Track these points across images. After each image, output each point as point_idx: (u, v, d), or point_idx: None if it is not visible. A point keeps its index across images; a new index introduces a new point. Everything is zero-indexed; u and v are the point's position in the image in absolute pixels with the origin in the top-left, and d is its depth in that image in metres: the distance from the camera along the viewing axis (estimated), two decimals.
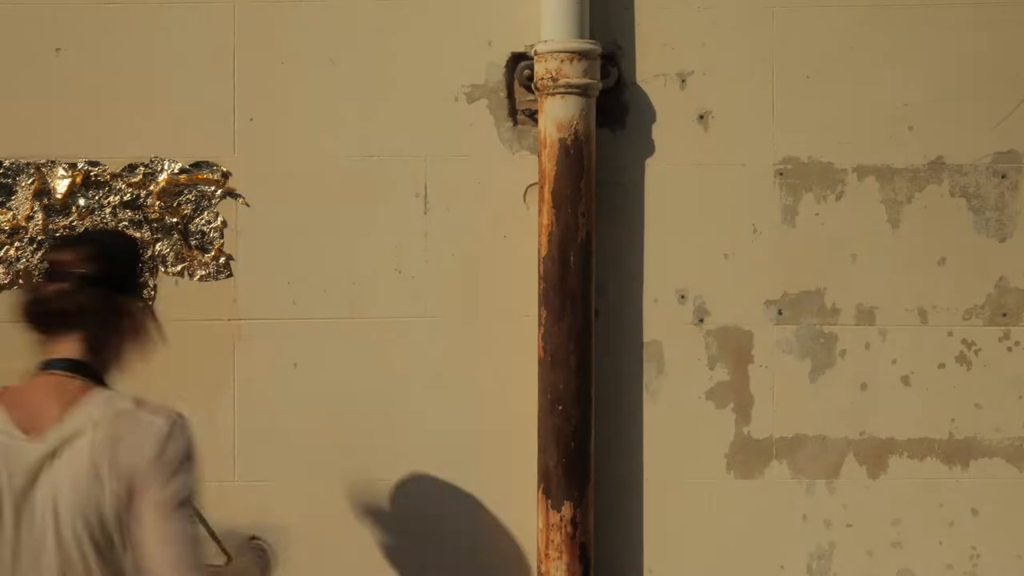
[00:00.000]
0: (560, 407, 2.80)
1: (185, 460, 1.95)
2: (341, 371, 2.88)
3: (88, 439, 1.92)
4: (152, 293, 2.85)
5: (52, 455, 1.92)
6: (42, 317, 1.99)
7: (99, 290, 1.99)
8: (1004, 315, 2.91)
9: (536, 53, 2.81)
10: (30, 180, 2.89)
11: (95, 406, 1.95)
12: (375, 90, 2.89)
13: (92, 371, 2.00)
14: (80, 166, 2.89)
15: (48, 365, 1.99)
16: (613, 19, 2.88)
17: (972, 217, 2.91)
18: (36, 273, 1.97)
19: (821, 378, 2.92)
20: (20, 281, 2.86)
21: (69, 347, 1.99)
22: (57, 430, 1.93)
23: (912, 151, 2.90)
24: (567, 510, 2.80)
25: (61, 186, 2.89)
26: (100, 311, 2.00)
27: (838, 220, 2.90)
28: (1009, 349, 2.91)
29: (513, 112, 2.90)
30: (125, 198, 2.89)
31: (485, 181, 2.89)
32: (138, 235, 2.89)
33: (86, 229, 2.17)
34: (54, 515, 1.90)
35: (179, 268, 2.90)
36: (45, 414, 1.95)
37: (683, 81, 2.90)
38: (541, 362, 2.82)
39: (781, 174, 2.90)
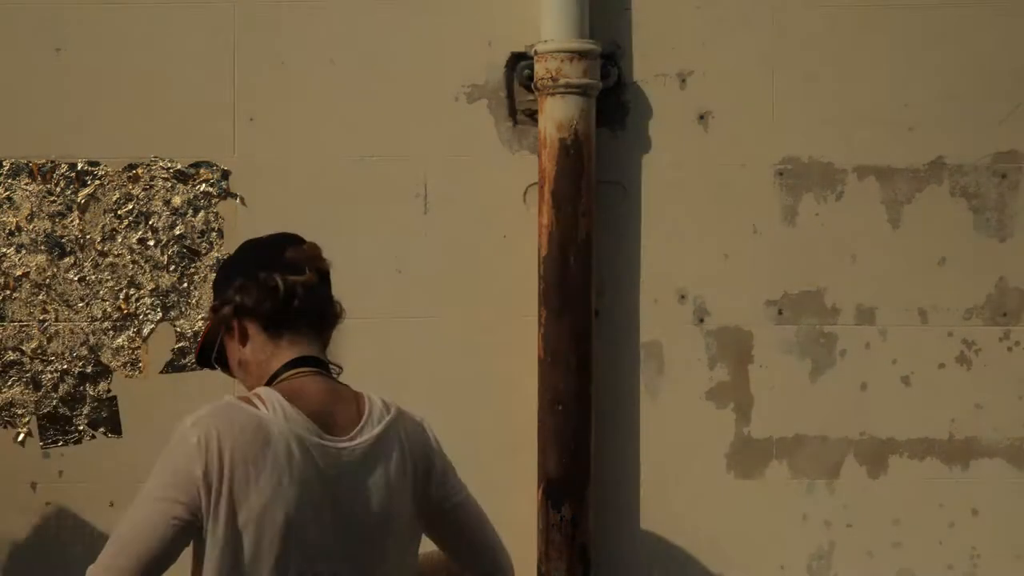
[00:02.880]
0: (560, 407, 2.80)
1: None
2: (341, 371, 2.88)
3: (395, 434, 1.93)
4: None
5: (367, 455, 1.89)
6: (290, 309, 1.92)
7: (329, 288, 1.99)
8: (1004, 315, 2.91)
9: (536, 53, 2.81)
10: (30, 180, 2.90)
11: (379, 405, 1.95)
12: (375, 90, 2.89)
13: (331, 371, 1.97)
14: (80, 166, 2.89)
15: (301, 362, 1.92)
16: (613, 19, 2.88)
17: (972, 217, 2.91)
18: (254, 270, 1.89)
19: (821, 378, 2.92)
20: (19, 280, 2.87)
21: (309, 343, 1.95)
22: (361, 431, 1.90)
23: (912, 151, 2.90)
24: (567, 510, 2.80)
25: (61, 186, 2.89)
26: (331, 309, 1.99)
27: (838, 220, 2.90)
28: (1009, 349, 2.91)
29: (513, 112, 2.90)
30: (125, 198, 2.90)
31: (485, 181, 2.89)
32: (136, 235, 2.89)
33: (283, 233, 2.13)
34: (369, 513, 1.87)
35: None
36: (339, 415, 1.90)
37: (683, 81, 2.90)
38: (541, 362, 2.82)
39: (781, 174, 2.90)
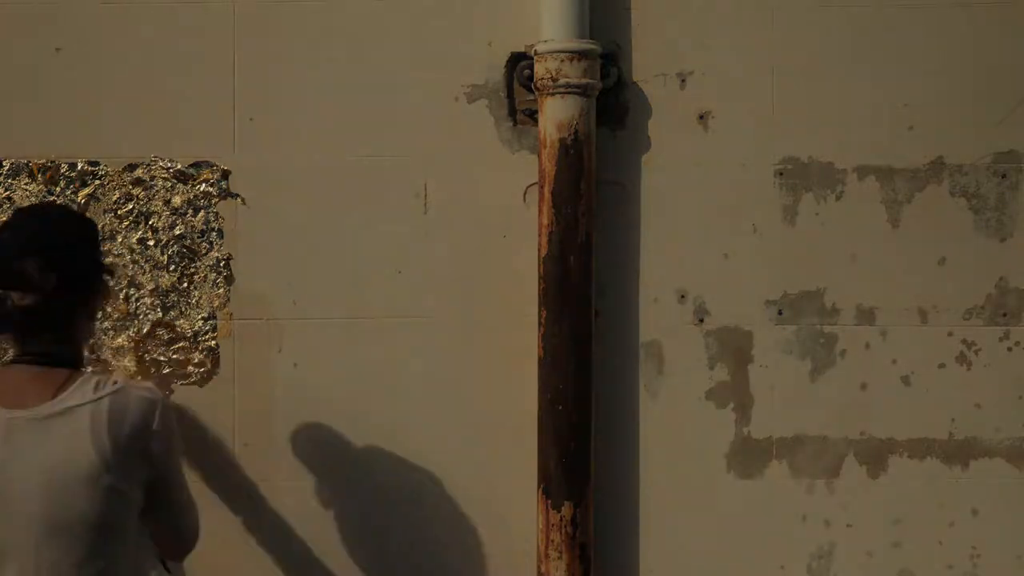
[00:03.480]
0: (560, 407, 2.80)
1: (175, 433, 2.16)
2: (341, 371, 2.88)
3: (88, 411, 2.03)
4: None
5: (43, 427, 2.01)
6: (8, 328, 2.08)
7: (63, 300, 2.09)
8: (1004, 315, 2.91)
9: (536, 53, 2.81)
10: (30, 180, 2.89)
11: (89, 385, 2.06)
12: (375, 90, 2.89)
13: (68, 359, 2.12)
14: (80, 166, 2.89)
15: (23, 357, 2.09)
16: (613, 19, 2.88)
17: (972, 217, 2.91)
18: None
19: (821, 378, 2.92)
20: None
21: (41, 340, 2.09)
22: (50, 406, 2.03)
23: (912, 151, 2.90)
24: (567, 510, 2.80)
25: (61, 186, 2.89)
26: (66, 311, 2.10)
27: (838, 220, 2.90)
28: (1009, 349, 2.91)
29: (513, 112, 2.89)
30: (125, 198, 2.89)
31: (485, 181, 2.89)
32: (136, 235, 2.89)
33: (34, 212, 2.27)
34: (46, 485, 2.00)
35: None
36: (34, 394, 2.05)
37: (683, 81, 2.90)
38: (541, 362, 2.82)
39: (781, 174, 2.90)
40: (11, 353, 2.15)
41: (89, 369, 2.18)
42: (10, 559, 2.00)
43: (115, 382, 2.09)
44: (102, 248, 2.33)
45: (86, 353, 2.17)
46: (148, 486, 2.12)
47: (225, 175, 2.89)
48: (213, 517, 2.72)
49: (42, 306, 2.06)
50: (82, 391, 2.07)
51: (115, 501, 2.05)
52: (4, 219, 2.15)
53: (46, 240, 2.10)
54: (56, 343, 2.11)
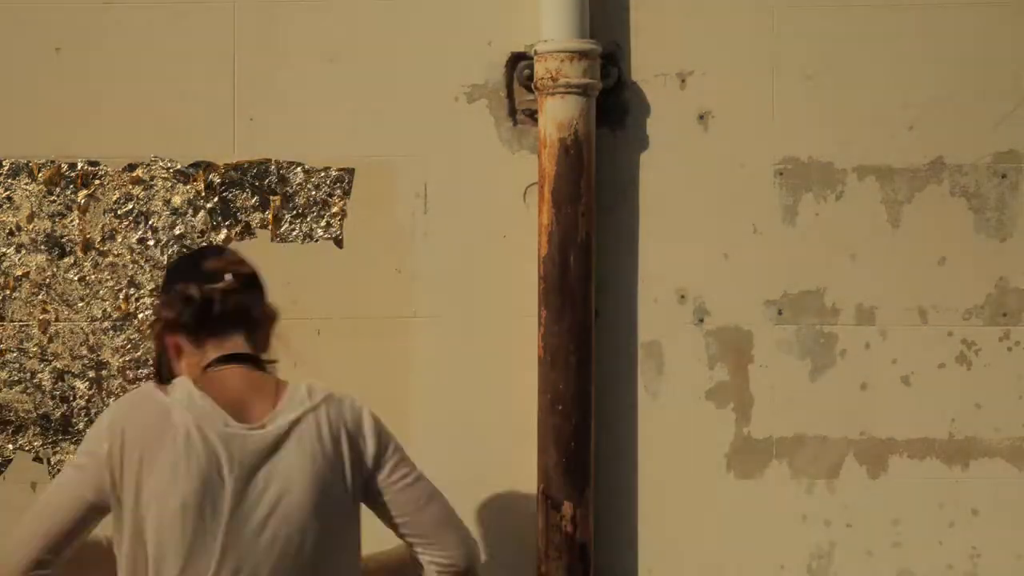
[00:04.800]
0: (560, 407, 2.80)
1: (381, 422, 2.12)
2: (341, 371, 2.88)
3: (313, 420, 1.99)
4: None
5: (278, 441, 1.96)
6: (210, 316, 2.02)
7: (255, 291, 2.09)
8: (1004, 315, 2.91)
9: (536, 53, 2.81)
10: (30, 180, 2.90)
11: (302, 393, 2.02)
12: (375, 90, 2.89)
13: (263, 365, 2.08)
14: (80, 166, 2.89)
15: (228, 359, 2.03)
16: (613, 19, 2.88)
17: (972, 217, 2.91)
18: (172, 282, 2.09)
19: (821, 378, 2.92)
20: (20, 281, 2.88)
21: (237, 344, 2.05)
22: (274, 418, 1.98)
23: (912, 151, 2.90)
24: (567, 510, 2.80)
25: (61, 186, 2.89)
26: (258, 310, 2.09)
27: (838, 220, 2.90)
28: (1009, 349, 2.91)
29: (513, 112, 2.89)
30: (125, 198, 2.90)
31: (485, 181, 2.89)
32: (136, 235, 2.89)
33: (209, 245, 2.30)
34: (284, 498, 1.95)
35: None
36: (255, 404, 2.00)
37: (683, 81, 2.90)
38: (541, 362, 2.82)
39: (781, 174, 2.90)
40: (209, 356, 2.06)
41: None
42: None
43: (319, 390, 2.06)
44: None
45: None
46: (378, 481, 2.08)
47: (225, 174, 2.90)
48: None
49: (243, 287, 2.04)
50: (294, 400, 2.02)
51: (342, 517, 2.03)
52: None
53: (217, 247, 2.18)
54: (252, 348, 2.07)
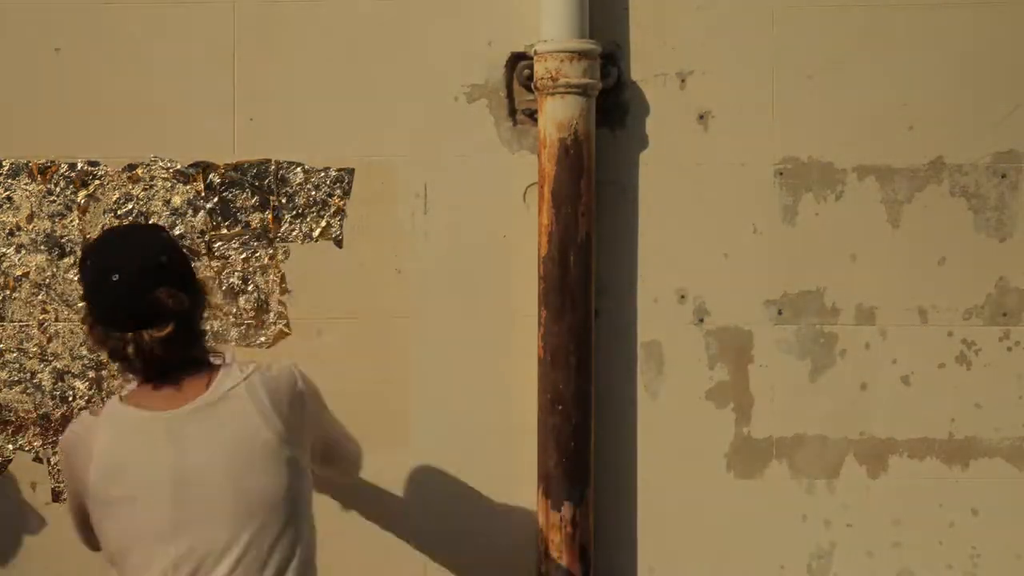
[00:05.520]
0: (560, 407, 2.80)
1: (313, 384, 2.22)
2: (341, 371, 2.88)
3: (243, 390, 2.05)
4: None
5: (207, 414, 2.02)
6: (145, 363, 2.05)
7: (194, 313, 2.08)
8: (1004, 315, 2.91)
9: (536, 53, 2.81)
10: (30, 180, 2.90)
11: (231, 370, 2.08)
12: (375, 90, 2.89)
13: (205, 364, 2.10)
14: (80, 166, 2.89)
15: (161, 383, 2.06)
16: (613, 19, 2.88)
17: (972, 217, 2.91)
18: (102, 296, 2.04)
19: (821, 378, 2.92)
20: (27, 283, 2.88)
21: (180, 363, 2.07)
22: (208, 395, 2.04)
23: (912, 151, 2.90)
24: (567, 510, 2.80)
25: (61, 186, 2.89)
26: (197, 322, 2.10)
27: (838, 220, 2.90)
28: (1009, 349, 2.91)
29: (513, 112, 2.90)
30: (125, 198, 2.90)
31: (485, 181, 2.89)
32: None
33: (126, 244, 2.09)
34: (232, 469, 2.02)
35: None
36: (188, 395, 2.05)
37: (683, 81, 2.90)
38: (541, 362, 2.82)
39: (781, 174, 2.90)
40: (137, 380, 2.08)
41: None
42: (201, 548, 2.00)
43: (249, 363, 2.10)
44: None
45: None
46: (315, 442, 2.17)
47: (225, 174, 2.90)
48: None
49: (181, 329, 2.03)
50: (230, 376, 2.06)
51: (296, 471, 2.07)
52: (94, 256, 2.06)
53: (164, 266, 2.03)
54: (193, 355, 2.09)
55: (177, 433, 2.02)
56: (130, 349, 2.02)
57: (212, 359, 2.12)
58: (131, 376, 2.10)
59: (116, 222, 2.89)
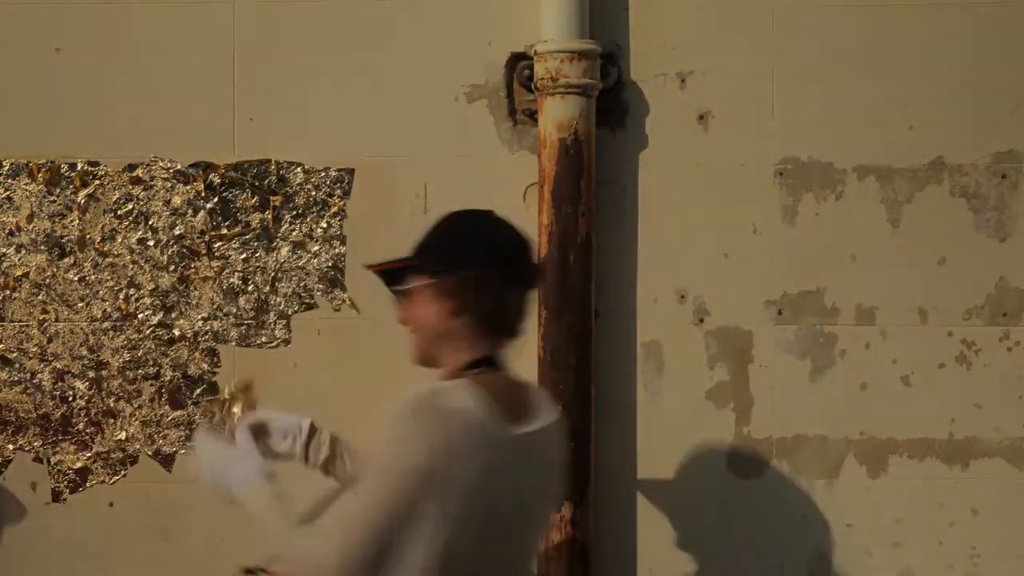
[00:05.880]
0: (560, 407, 2.79)
1: None
2: (341, 371, 2.88)
3: (555, 429, 2.04)
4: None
5: (538, 443, 1.97)
6: (509, 326, 2.02)
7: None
8: (1004, 315, 2.91)
9: (536, 53, 2.81)
10: (30, 180, 2.90)
11: (545, 399, 2.07)
12: (375, 90, 2.89)
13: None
14: (80, 166, 2.89)
15: (487, 362, 1.99)
16: (613, 19, 2.88)
17: (972, 217, 2.91)
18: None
19: (821, 378, 2.92)
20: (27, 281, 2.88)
21: (509, 349, 2.04)
22: (536, 420, 1.98)
23: (912, 151, 2.90)
24: (567, 510, 2.80)
25: (61, 186, 2.89)
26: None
27: (838, 220, 2.90)
28: (1009, 349, 2.91)
29: (513, 112, 2.89)
30: (125, 198, 2.90)
31: (485, 181, 2.89)
32: (135, 236, 2.89)
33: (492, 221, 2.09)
34: (539, 498, 2.00)
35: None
36: (524, 406, 1.98)
37: (683, 81, 2.90)
38: (541, 362, 2.82)
39: (781, 174, 2.90)
40: (477, 354, 1.98)
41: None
42: None
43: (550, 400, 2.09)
44: None
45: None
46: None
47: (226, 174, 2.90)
48: (217, 514, 2.71)
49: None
50: (546, 408, 2.03)
51: None
52: (478, 216, 2.07)
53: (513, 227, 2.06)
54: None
55: (528, 453, 1.94)
56: (518, 306, 1.99)
57: None
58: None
59: (116, 222, 2.89)
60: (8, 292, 2.89)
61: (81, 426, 2.88)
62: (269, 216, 2.90)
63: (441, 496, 1.78)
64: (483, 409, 1.85)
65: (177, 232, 2.89)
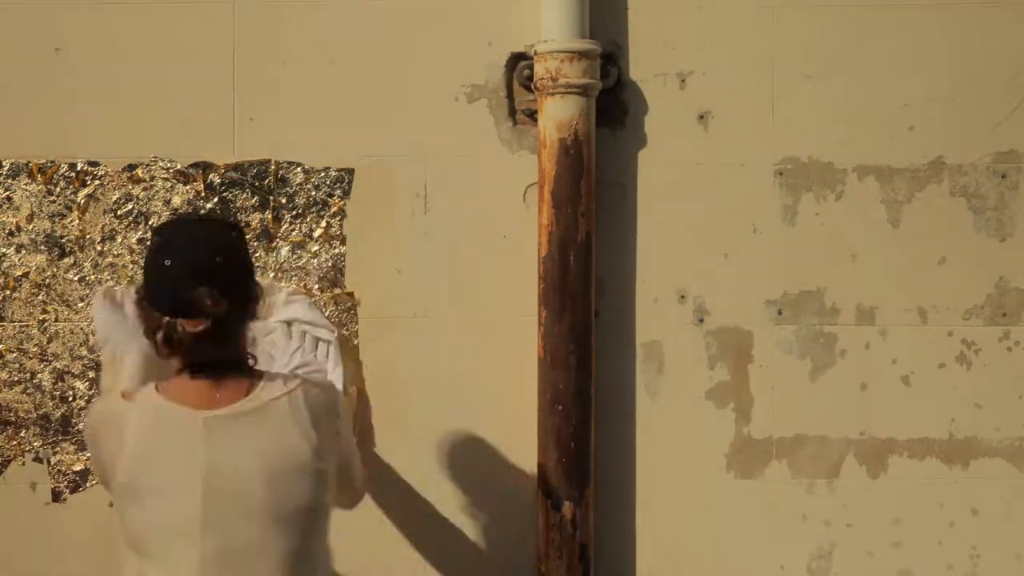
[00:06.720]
0: (560, 407, 2.80)
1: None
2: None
3: (285, 403, 2.06)
4: None
5: (247, 421, 2.03)
6: (178, 352, 2.04)
7: (233, 320, 2.07)
8: (1004, 315, 2.91)
9: (536, 53, 2.81)
10: (30, 180, 2.90)
11: (274, 382, 2.09)
12: (375, 90, 2.89)
13: (243, 369, 2.10)
14: (80, 166, 2.89)
15: (195, 371, 2.06)
16: (613, 19, 2.88)
17: (972, 217, 2.91)
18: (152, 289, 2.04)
19: (821, 378, 2.92)
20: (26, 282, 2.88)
21: (212, 356, 2.06)
22: (246, 402, 2.05)
23: (912, 151, 2.90)
24: (567, 510, 2.80)
25: (61, 186, 2.89)
26: (235, 328, 2.09)
27: (838, 220, 2.90)
28: (1009, 349, 2.91)
29: (513, 112, 2.90)
30: (125, 198, 2.90)
31: (485, 181, 2.89)
32: (136, 235, 2.89)
33: (193, 235, 2.09)
34: (267, 477, 2.03)
35: None
36: (224, 397, 2.05)
37: (683, 81, 2.90)
38: (541, 362, 2.82)
39: (781, 174, 2.90)
40: (177, 365, 2.07)
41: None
42: (229, 548, 2.01)
43: (294, 378, 2.12)
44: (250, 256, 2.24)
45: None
46: (338, 460, 2.17)
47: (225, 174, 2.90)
48: None
49: (214, 329, 2.02)
50: (273, 388, 2.07)
51: (322, 484, 2.09)
52: (160, 238, 2.06)
53: (216, 267, 2.03)
54: (227, 356, 2.08)
55: (213, 434, 2.02)
56: (160, 335, 2.02)
57: (252, 364, 2.12)
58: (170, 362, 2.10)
59: (116, 222, 2.89)
60: (8, 292, 2.89)
61: (81, 426, 2.88)
62: (269, 216, 2.90)
63: None
64: None
65: None
